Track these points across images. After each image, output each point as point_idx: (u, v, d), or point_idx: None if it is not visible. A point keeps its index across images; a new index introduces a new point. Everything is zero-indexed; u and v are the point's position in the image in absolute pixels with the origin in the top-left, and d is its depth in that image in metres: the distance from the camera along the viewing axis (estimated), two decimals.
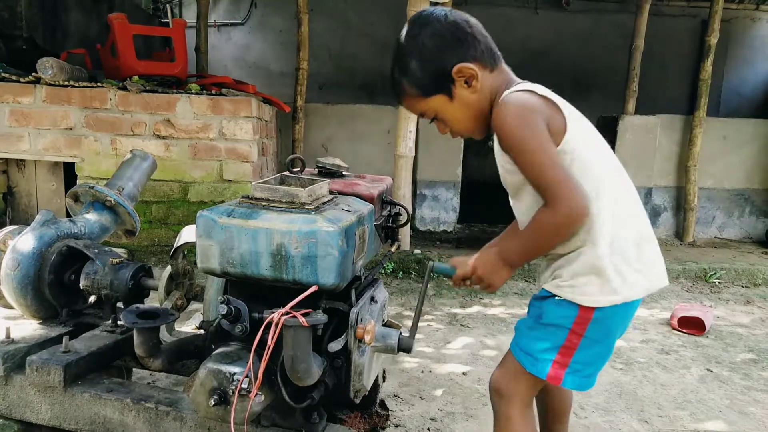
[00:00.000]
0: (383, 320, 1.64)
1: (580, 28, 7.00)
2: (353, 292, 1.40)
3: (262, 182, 1.35)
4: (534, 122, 1.19)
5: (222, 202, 1.75)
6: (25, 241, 1.70)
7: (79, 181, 3.93)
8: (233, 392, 1.22)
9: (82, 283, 1.70)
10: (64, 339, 1.57)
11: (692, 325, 3.18)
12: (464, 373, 2.49)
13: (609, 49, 6.78)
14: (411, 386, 2.32)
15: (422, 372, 2.47)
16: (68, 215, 2.04)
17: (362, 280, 1.48)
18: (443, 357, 2.66)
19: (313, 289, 1.23)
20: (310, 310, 1.22)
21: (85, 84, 3.89)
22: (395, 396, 2.22)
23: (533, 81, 1.31)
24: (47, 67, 3.77)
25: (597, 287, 1.23)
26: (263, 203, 1.31)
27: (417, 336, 2.90)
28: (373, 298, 1.54)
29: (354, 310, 1.37)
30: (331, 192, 1.45)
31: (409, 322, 3.11)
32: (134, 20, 4.47)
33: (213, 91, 4.05)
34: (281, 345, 1.21)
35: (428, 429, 2.01)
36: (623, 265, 1.24)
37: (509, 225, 1.58)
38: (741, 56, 7.18)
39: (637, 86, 5.66)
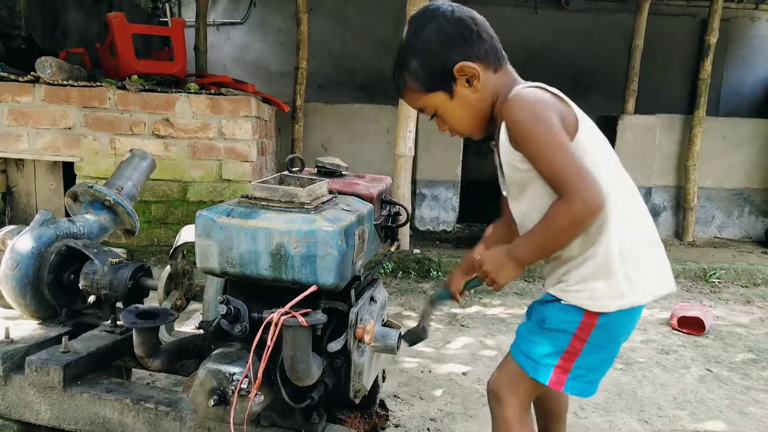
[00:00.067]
0: (383, 320, 1.64)
1: (579, 27, 6.99)
2: (353, 291, 1.40)
3: (262, 182, 1.35)
4: (549, 115, 1.18)
5: (221, 201, 1.74)
6: (24, 240, 1.69)
7: (78, 181, 3.92)
8: (233, 392, 1.21)
9: (82, 283, 1.70)
10: (64, 339, 1.57)
11: (692, 325, 3.18)
12: (464, 373, 2.49)
13: (608, 48, 6.77)
14: (411, 386, 2.32)
15: (422, 372, 2.47)
16: (67, 215, 2.04)
17: (362, 279, 1.48)
18: (443, 357, 2.66)
19: (313, 289, 1.22)
20: (310, 310, 1.22)
21: (84, 83, 3.89)
22: (395, 396, 2.22)
23: (533, 80, 1.31)
24: (46, 66, 3.77)
25: (604, 292, 1.21)
26: (262, 203, 1.30)
27: None
28: (372, 298, 1.54)
29: (353, 310, 1.37)
30: (330, 192, 1.45)
31: (409, 323, 3.11)
32: (133, 19, 4.47)
33: (212, 91, 4.05)
34: (281, 345, 1.21)
35: (428, 429, 2.00)
36: (632, 269, 1.22)
37: (492, 228, 1.57)
38: (740, 55, 7.18)
39: (637, 85, 5.66)
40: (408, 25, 1.31)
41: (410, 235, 4.71)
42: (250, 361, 1.21)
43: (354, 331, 1.35)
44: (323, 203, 1.33)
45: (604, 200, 1.14)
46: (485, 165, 6.55)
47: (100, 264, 1.68)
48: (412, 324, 3.08)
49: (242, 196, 1.34)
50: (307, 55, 5.11)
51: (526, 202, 1.29)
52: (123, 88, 3.90)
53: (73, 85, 3.85)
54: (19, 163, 4.10)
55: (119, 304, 1.76)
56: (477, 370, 2.53)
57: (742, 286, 4.25)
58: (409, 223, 4.22)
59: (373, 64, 6.86)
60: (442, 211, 5.51)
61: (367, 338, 1.33)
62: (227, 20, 7.11)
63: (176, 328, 1.93)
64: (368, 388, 1.52)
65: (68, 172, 4.05)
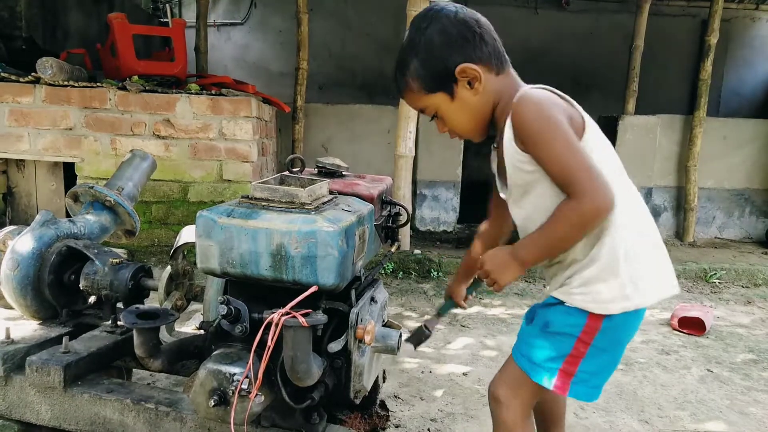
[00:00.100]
0: (383, 321, 1.64)
1: (580, 27, 7.00)
2: (353, 292, 1.40)
3: (262, 182, 1.35)
4: (558, 115, 1.18)
5: (222, 202, 1.75)
6: (25, 241, 1.69)
7: (78, 181, 3.93)
8: (233, 393, 1.21)
9: (82, 284, 1.70)
10: (64, 339, 1.57)
11: (692, 326, 3.18)
12: (464, 374, 2.49)
13: (609, 48, 6.77)
14: (411, 387, 2.32)
15: (422, 372, 2.47)
16: (68, 215, 2.04)
17: (362, 280, 1.48)
18: (443, 357, 2.66)
19: (313, 289, 1.22)
20: (310, 310, 1.22)
21: (84, 84, 3.89)
22: (395, 396, 2.22)
23: (533, 81, 1.31)
24: (47, 67, 3.77)
25: (609, 294, 1.21)
26: (263, 203, 1.30)
27: None
28: (373, 299, 1.54)
29: (354, 310, 1.37)
30: (330, 192, 1.45)
31: (410, 323, 3.11)
32: (134, 20, 4.48)
33: (213, 91, 4.05)
34: (281, 345, 1.21)
35: (428, 429, 2.00)
36: (636, 271, 1.21)
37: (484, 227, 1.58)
38: (741, 56, 7.18)
39: (637, 86, 5.66)
40: (411, 25, 1.31)
41: (411, 236, 4.71)
42: (250, 361, 1.21)
43: (354, 331, 1.35)
44: (324, 204, 1.33)
45: (614, 200, 1.14)
46: (486, 165, 6.50)
47: (101, 264, 1.68)
48: (412, 324, 3.08)
49: (243, 197, 1.34)
50: (308, 55, 5.11)
51: (529, 204, 1.28)
52: (124, 88, 3.90)
53: (73, 86, 3.85)
54: (19, 163, 4.10)
55: (120, 305, 1.76)
56: (477, 370, 2.53)
57: (743, 287, 4.24)
58: (409, 224, 4.22)
59: (374, 64, 6.86)
60: (442, 211, 5.51)
61: (367, 339, 1.33)
62: (228, 21, 7.12)
63: (177, 329, 1.94)
64: (368, 388, 1.52)
65: (69, 172, 4.05)
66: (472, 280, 1.56)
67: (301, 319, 1.17)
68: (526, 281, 4.07)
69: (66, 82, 3.83)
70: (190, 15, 6.39)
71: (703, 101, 5.35)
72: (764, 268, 4.40)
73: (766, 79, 7.25)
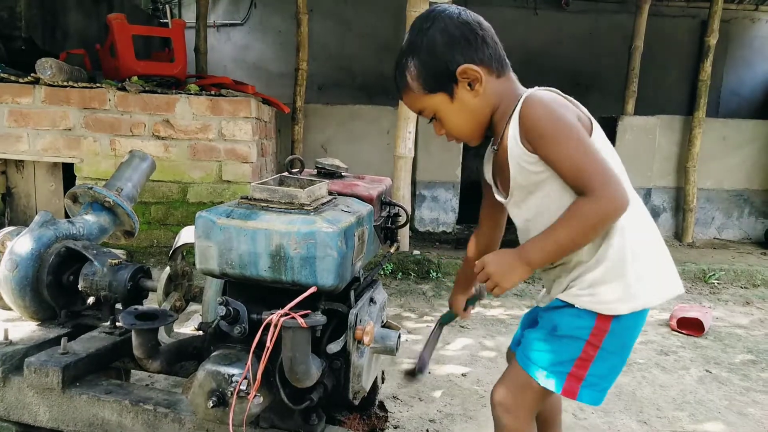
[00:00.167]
0: (382, 321, 1.64)
1: (579, 28, 7.00)
2: (352, 293, 1.40)
3: (261, 183, 1.35)
4: (569, 115, 1.19)
5: (221, 202, 1.75)
6: (24, 242, 1.69)
7: (77, 182, 3.92)
8: (232, 394, 1.21)
9: (81, 285, 1.70)
10: (63, 340, 1.57)
11: (691, 326, 3.18)
12: (463, 375, 2.49)
13: (608, 49, 6.78)
14: (410, 388, 2.32)
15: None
16: (67, 216, 2.04)
17: (361, 281, 1.48)
18: (442, 358, 2.66)
19: (312, 290, 1.22)
20: (309, 311, 1.21)
21: (84, 84, 3.89)
22: (394, 397, 2.22)
23: (533, 82, 1.31)
24: (46, 67, 3.77)
25: (617, 294, 1.21)
26: (262, 204, 1.30)
27: (415, 337, 2.90)
28: (372, 299, 1.54)
29: (353, 311, 1.36)
30: (330, 193, 1.45)
31: (409, 324, 3.11)
32: (133, 20, 4.48)
33: (212, 92, 4.05)
34: (280, 346, 1.21)
35: (427, 430, 2.00)
36: (642, 271, 1.22)
37: (473, 241, 1.57)
38: (740, 57, 7.18)
39: (637, 87, 5.67)
40: (412, 26, 1.30)
41: (410, 237, 4.71)
42: (249, 362, 1.21)
43: (353, 332, 1.35)
44: (323, 204, 1.33)
45: (629, 200, 1.14)
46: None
47: (100, 265, 1.68)
48: (411, 325, 3.08)
49: (242, 198, 1.34)
50: (307, 56, 5.12)
51: (533, 206, 1.28)
52: (123, 89, 3.90)
53: (73, 86, 3.85)
54: (18, 164, 4.10)
55: (118, 306, 1.76)
56: (476, 371, 2.53)
57: (742, 287, 4.25)
58: (408, 225, 4.23)
59: (373, 65, 6.86)
60: (441, 212, 5.52)
61: (366, 339, 1.33)
62: (227, 21, 7.12)
63: (175, 330, 1.94)
64: (367, 389, 1.52)
65: (68, 173, 4.05)
66: (472, 294, 1.56)
67: (300, 320, 1.17)
68: (526, 282, 4.07)
69: (65, 83, 3.83)
70: (189, 15, 6.40)
71: (702, 102, 5.36)
72: (763, 269, 4.40)
73: (765, 79, 7.25)
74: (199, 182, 4.08)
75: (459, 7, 1.29)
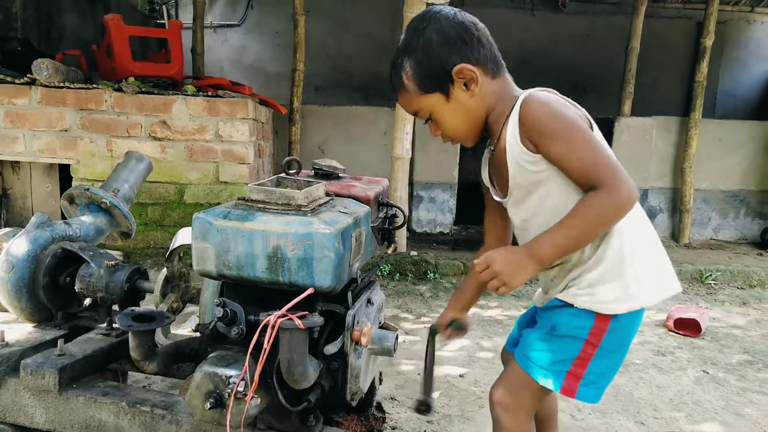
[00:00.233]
0: (380, 322, 1.64)
1: (576, 29, 7.02)
2: (350, 294, 1.40)
3: (259, 184, 1.35)
4: (570, 113, 1.20)
5: (218, 204, 1.74)
6: (20, 243, 1.69)
7: (74, 183, 3.92)
8: (229, 395, 1.21)
9: (77, 286, 1.69)
10: (59, 342, 1.56)
11: (688, 327, 3.19)
12: (461, 376, 2.49)
13: (605, 50, 6.80)
14: (407, 389, 2.32)
15: (419, 374, 2.47)
16: (63, 217, 2.03)
17: (359, 282, 1.48)
18: (440, 359, 2.66)
19: (310, 291, 1.22)
20: (307, 312, 1.21)
21: (80, 85, 3.88)
22: (392, 398, 2.22)
23: (530, 82, 1.31)
24: (42, 68, 3.76)
25: (615, 294, 1.21)
26: (259, 205, 1.30)
27: (414, 338, 2.90)
28: (369, 301, 1.53)
29: (350, 312, 1.36)
30: (327, 194, 1.45)
31: (406, 325, 3.11)
32: (130, 21, 4.47)
33: (209, 93, 4.04)
34: (277, 348, 1.21)
35: (425, 431, 2.00)
36: (640, 270, 1.22)
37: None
38: (736, 58, 7.21)
39: (633, 88, 5.68)
40: (408, 27, 1.31)
41: (407, 237, 4.71)
42: (246, 363, 1.21)
43: (351, 333, 1.35)
44: (320, 205, 1.33)
45: (637, 193, 1.15)
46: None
47: (96, 267, 1.68)
48: (409, 326, 3.08)
49: (239, 199, 1.33)
50: (305, 57, 5.12)
51: (531, 206, 1.28)
52: (120, 90, 3.89)
53: (69, 87, 3.84)
54: (15, 165, 4.08)
55: (115, 307, 1.76)
56: (474, 372, 2.53)
57: (738, 288, 4.26)
58: (406, 225, 4.22)
59: (371, 66, 6.86)
60: (439, 213, 5.52)
61: (363, 341, 1.33)
62: (224, 22, 7.11)
63: (172, 331, 1.93)
64: (365, 390, 1.52)
65: (64, 174, 4.04)
66: (463, 318, 1.56)
67: (298, 322, 1.17)
68: (525, 282, 4.07)
69: (62, 84, 3.82)
70: (186, 16, 6.39)
71: (698, 103, 5.38)
72: (759, 270, 4.42)
73: (761, 80, 7.28)
74: (196, 183, 4.07)
75: (454, 8, 1.30)
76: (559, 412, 1.64)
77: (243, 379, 1.21)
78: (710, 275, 4.32)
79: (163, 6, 6.84)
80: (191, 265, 1.34)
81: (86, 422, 1.48)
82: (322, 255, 1.21)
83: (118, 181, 2.05)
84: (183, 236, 1.66)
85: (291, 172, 1.56)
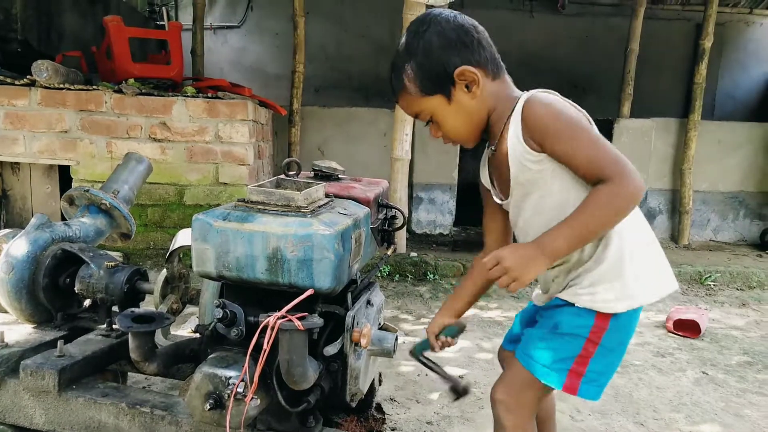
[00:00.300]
0: (379, 324, 1.64)
1: (575, 31, 7.03)
2: (349, 295, 1.40)
3: (258, 185, 1.35)
4: (573, 112, 1.21)
5: (218, 205, 1.75)
6: (20, 244, 1.69)
7: (74, 184, 3.92)
8: (229, 396, 1.21)
9: (77, 287, 1.69)
10: (59, 343, 1.56)
11: (687, 328, 3.19)
12: (460, 377, 2.49)
13: (604, 52, 6.81)
14: (407, 390, 2.32)
15: (418, 375, 2.47)
16: (63, 218, 2.03)
17: (358, 283, 1.48)
18: (439, 360, 2.65)
19: (309, 292, 1.22)
20: (306, 313, 1.22)
21: (80, 87, 3.88)
22: (391, 399, 2.22)
23: (529, 84, 1.31)
24: (42, 69, 3.76)
25: (616, 293, 1.23)
26: (259, 206, 1.30)
27: (414, 339, 2.90)
28: (369, 302, 1.54)
29: (350, 313, 1.37)
30: (327, 195, 1.45)
31: (406, 326, 3.11)
32: (130, 23, 4.47)
33: (209, 94, 4.05)
34: (277, 349, 1.21)
35: None
36: (639, 269, 1.24)
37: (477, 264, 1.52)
38: (735, 60, 7.22)
39: (633, 89, 5.69)
40: (408, 29, 1.31)
41: (407, 239, 4.71)
42: (246, 364, 1.21)
43: (350, 334, 1.35)
44: (320, 207, 1.33)
45: (644, 182, 1.16)
46: None
47: (96, 268, 1.68)
48: (408, 327, 3.08)
49: (239, 200, 1.34)
50: (304, 58, 5.12)
51: (530, 206, 1.29)
52: (119, 91, 3.89)
53: (69, 89, 3.84)
54: (14, 166, 4.08)
55: (115, 308, 1.76)
56: (474, 373, 2.53)
57: (738, 289, 4.26)
58: (405, 227, 4.23)
59: (370, 67, 6.87)
60: (438, 214, 5.52)
61: (363, 342, 1.33)
62: (224, 24, 7.12)
63: (172, 332, 1.93)
64: (365, 391, 1.52)
65: (64, 175, 4.04)
66: (457, 323, 1.52)
67: (297, 323, 1.17)
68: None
69: (61, 85, 3.82)
70: (186, 18, 6.40)
71: (697, 104, 5.38)
72: (759, 271, 4.42)
73: (760, 82, 7.29)
74: (196, 185, 4.08)
75: (454, 11, 1.31)
76: (558, 413, 1.64)
77: (243, 380, 1.21)
78: (710, 276, 4.32)
79: (163, 7, 6.84)
80: (191, 267, 1.34)
81: (86, 423, 1.48)
82: (321, 256, 1.21)
83: (117, 182, 2.05)
84: (183, 237, 1.66)
85: (291, 173, 1.56)
